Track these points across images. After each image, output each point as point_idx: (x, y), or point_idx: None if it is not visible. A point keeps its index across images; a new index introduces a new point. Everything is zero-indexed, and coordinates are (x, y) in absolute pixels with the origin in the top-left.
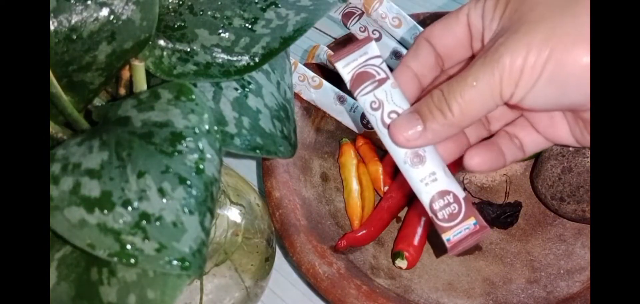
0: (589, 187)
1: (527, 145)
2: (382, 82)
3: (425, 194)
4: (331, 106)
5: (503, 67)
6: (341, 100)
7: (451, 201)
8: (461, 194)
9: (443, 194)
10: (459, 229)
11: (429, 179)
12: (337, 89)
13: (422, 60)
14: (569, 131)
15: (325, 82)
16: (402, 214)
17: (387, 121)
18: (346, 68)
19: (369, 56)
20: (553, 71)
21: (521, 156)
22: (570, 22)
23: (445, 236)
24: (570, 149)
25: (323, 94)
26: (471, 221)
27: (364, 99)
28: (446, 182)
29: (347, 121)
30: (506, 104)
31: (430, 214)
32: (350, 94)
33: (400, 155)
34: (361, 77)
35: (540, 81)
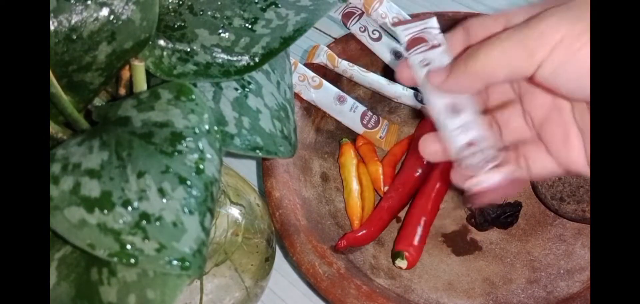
0: (589, 187)
1: (534, 166)
2: (434, 47)
3: (454, 143)
4: (331, 106)
5: (541, 32)
6: (341, 100)
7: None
8: (494, 148)
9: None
10: (491, 177)
11: (460, 130)
12: (337, 89)
13: (453, 45)
14: (583, 152)
15: (325, 82)
16: (402, 214)
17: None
18: (405, 32)
19: (427, 26)
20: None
21: (524, 175)
22: None
23: (476, 187)
24: None
25: (323, 94)
26: (504, 171)
27: (416, 57)
28: (477, 131)
29: (347, 121)
30: (532, 81)
31: (459, 164)
32: (400, 55)
33: (438, 106)
34: (417, 40)
35: (576, 58)
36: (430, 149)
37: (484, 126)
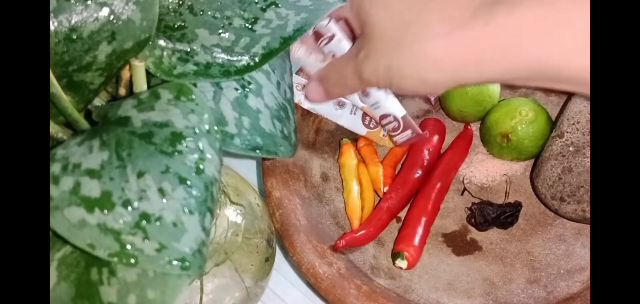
0: (589, 187)
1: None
2: (331, 38)
3: (374, 114)
4: (331, 112)
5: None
6: (340, 104)
7: (392, 120)
8: (400, 114)
9: (386, 116)
10: (401, 136)
11: (374, 107)
12: None
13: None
14: None
15: None
16: (402, 214)
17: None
18: (299, 43)
19: (317, 24)
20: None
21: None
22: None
23: (394, 140)
24: (571, 149)
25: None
26: (408, 132)
27: (321, 53)
28: (387, 107)
29: (349, 124)
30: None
31: (383, 129)
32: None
33: (354, 97)
34: (315, 36)
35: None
36: (313, 93)
37: (390, 101)
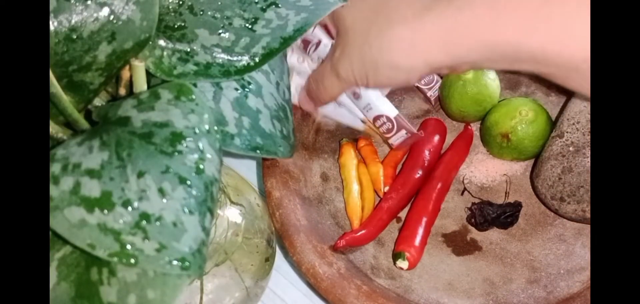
0: (589, 187)
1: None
2: (318, 44)
3: (367, 116)
4: (331, 110)
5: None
6: (340, 103)
7: (385, 121)
8: (392, 114)
9: (379, 117)
10: (396, 137)
11: (366, 109)
12: None
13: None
14: None
15: None
16: (402, 214)
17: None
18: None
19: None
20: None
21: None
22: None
23: (389, 142)
24: (571, 149)
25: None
26: (403, 132)
27: (311, 58)
28: (379, 108)
29: (350, 121)
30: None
31: (377, 130)
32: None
33: (343, 97)
34: (303, 44)
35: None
36: (304, 103)
37: (381, 103)
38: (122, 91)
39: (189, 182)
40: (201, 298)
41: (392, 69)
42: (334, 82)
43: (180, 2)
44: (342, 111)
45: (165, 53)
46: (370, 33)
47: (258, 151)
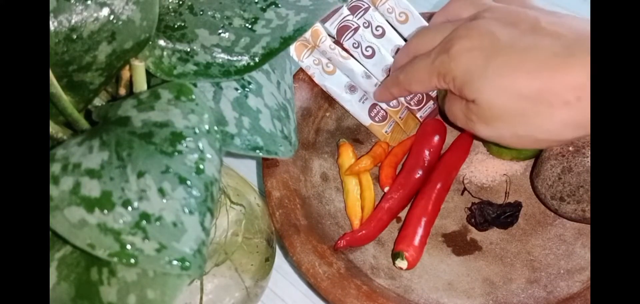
0: (589, 187)
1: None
2: (356, 29)
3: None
4: (341, 95)
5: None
6: (352, 90)
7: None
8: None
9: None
10: (425, 109)
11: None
12: (348, 79)
13: (399, 57)
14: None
15: (338, 70)
16: (402, 214)
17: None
18: (331, 26)
19: (343, 15)
20: None
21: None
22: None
23: (417, 114)
24: (570, 149)
25: (335, 82)
26: (431, 103)
27: (348, 42)
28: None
29: (355, 110)
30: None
31: (408, 103)
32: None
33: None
34: (342, 29)
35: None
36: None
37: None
38: (122, 91)
39: (189, 182)
40: (201, 298)
41: (551, 143)
42: (463, 123)
43: (180, 2)
44: (350, 97)
45: (165, 53)
46: (528, 115)
47: (258, 151)
